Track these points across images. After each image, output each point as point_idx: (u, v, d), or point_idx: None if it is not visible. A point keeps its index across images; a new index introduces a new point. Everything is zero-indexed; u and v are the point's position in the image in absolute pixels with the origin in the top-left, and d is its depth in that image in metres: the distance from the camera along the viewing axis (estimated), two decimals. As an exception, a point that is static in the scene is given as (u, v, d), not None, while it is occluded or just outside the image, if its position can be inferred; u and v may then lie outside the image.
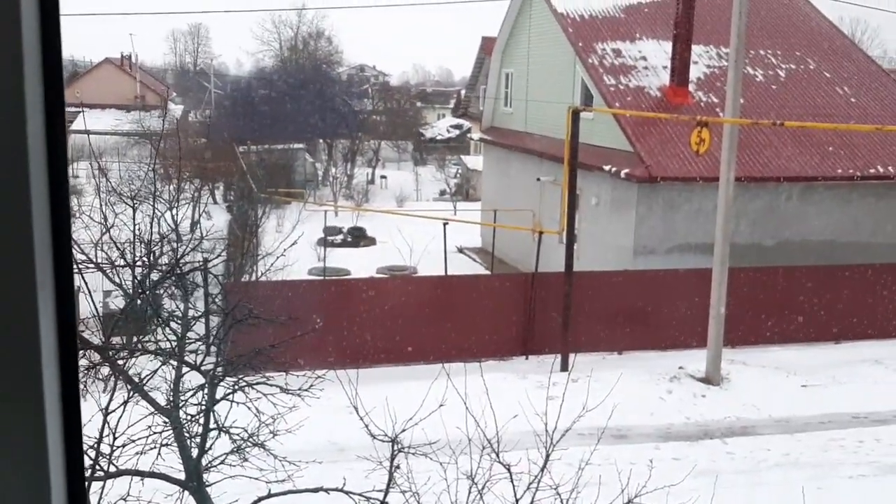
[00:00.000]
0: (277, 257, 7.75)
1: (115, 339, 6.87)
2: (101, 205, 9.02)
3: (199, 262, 8.25)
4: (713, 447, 11.49)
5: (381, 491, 5.60)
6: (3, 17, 0.72)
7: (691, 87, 19.49)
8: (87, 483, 4.98)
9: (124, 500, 5.25)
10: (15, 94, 0.73)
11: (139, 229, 7.84)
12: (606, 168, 17.79)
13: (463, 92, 50.02)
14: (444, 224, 20.84)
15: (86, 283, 7.21)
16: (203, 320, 7.25)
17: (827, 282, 16.49)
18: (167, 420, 5.55)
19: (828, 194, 18.27)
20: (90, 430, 5.19)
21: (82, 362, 6.46)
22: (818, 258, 17.64)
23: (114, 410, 5.28)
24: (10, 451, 0.78)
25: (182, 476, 5.71)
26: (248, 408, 5.71)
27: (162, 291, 6.94)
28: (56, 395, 0.80)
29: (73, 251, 6.65)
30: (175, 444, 5.62)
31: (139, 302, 6.64)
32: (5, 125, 0.73)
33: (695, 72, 19.75)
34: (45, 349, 0.77)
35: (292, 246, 7.80)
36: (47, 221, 0.77)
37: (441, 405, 6.26)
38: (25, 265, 0.75)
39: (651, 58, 20.29)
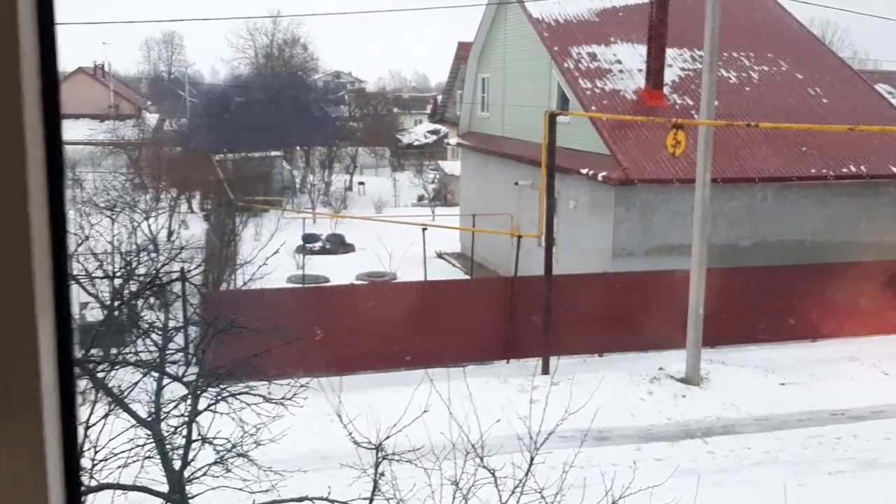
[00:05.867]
0: (259, 266, 7.71)
1: (94, 352, 6.80)
2: (76, 216, 8.95)
3: (177, 272, 8.20)
4: (694, 447, 11.56)
5: (366, 499, 5.58)
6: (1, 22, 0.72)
7: (666, 90, 19.64)
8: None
9: (106, 514, 5.20)
10: (13, 101, 0.73)
11: (116, 240, 7.78)
12: (584, 171, 17.88)
13: (439, 97, 50.02)
14: (423, 229, 20.83)
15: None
16: (183, 330, 7.19)
17: (803, 280, 16.66)
18: (149, 432, 5.50)
19: (802, 194, 18.47)
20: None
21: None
22: (794, 258, 17.83)
23: (94, 424, 5.23)
24: (10, 464, 0.78)
25: (165, 489, 5.67)
26: (232, 418, 5.67)
27: (141, 302, 6.88)
28: (55, 408, 0.81)
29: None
30: (157, 457, 5.57)
31: (117, 313, 6.59)
32: (4, 131, 0.74)
33: (669, 75, 19.91)
34: (43, 360, 0.78)
35: (275, 254, 7.77)
36: (46, 229, 0.77)
37: (425, 411, 6.26)
38: (24, 274, 0.75)
39: (626, 61, 20.43)
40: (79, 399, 5.62)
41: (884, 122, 19.71)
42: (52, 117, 0.79)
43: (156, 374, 5.71)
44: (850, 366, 14.74)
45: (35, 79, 0.77)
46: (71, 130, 42.63)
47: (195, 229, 24.64)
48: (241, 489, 5.67)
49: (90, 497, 5.12)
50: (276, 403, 5.93)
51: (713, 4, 13.44)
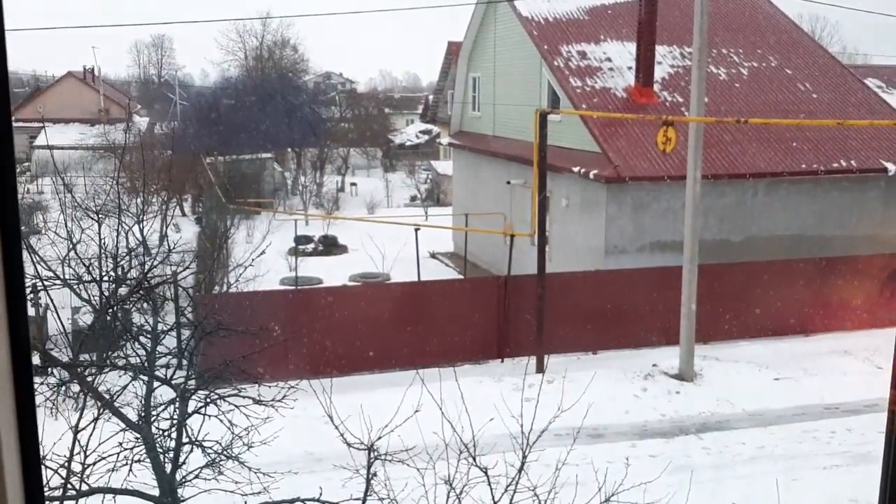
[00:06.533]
0: (245, 267, 7.69)
1: (84, 356, 6.77)
2: (66, 220, 8.88)
3: (167, 275, 8.16)
4: (688, 443, 11.57)
5: (358, 499, 5.56)
6: None
7: (656, 87, 19.66)
8: (60, 502, 4.90)
9: (97, 518, 5.16)
10: None
11: (106, 244, 7.74)
12: (575, 170, 17.88)
13: (431, 97, 49.98)
14: (416, 230, 20.80)
15: (52, 301, 7.10)
16: (173, 334, 7.15)
17: (795, 275, 16.70)
18: (139, 436, 5.47)
19: (793, 189, 18.51)
20: (60, 449, 5.10)
21: (51, 380, 6.36)
22: (785, 252, 17.86)
23: (84, 428, 5.20)
24: None
25: (156, 492, 5.64)
26: (221, 420, 5.65)
27: (130, 306, 6.84)
28: (10, 410, 0.78)
29: (39, 267, 6.54)
30: (148, 460, 5.54)
31: (108, 317, 6.55)
32: None
33: (659, 72, 19.93)
34: None
35: (261, 255, 7.74)
36: None
37: (416, 411, 6.23)
38: None
39: (616, 59, 20.44)
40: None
41: (873, 116, 19.77)
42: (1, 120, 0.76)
43: (145, 378, 5.68)
44: (843, 360, 14.77)
45: None
46: (61, 135, 42.49)
47: (187, 232, 24.58)
48: (233, 492, 5.64)
49: (80, 502, 5.08)
50: (265, 406, 5.91)
51: (702, 1, 13.45)
